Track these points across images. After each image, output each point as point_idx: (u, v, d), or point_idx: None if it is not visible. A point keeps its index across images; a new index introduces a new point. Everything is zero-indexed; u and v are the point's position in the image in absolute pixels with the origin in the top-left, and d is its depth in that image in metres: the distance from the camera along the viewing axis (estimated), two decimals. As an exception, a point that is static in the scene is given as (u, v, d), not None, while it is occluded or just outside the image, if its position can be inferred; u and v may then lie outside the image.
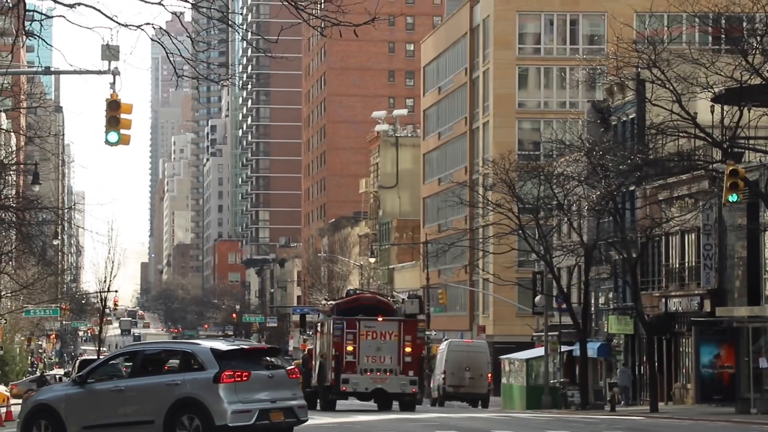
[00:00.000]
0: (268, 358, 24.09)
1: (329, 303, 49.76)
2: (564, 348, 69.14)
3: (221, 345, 23.76)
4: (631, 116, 64.43)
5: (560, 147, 61.83)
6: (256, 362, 23.54)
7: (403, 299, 49.09)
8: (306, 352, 50.98)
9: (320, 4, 23.28)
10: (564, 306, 62.90)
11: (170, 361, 23.95)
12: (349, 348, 45.59)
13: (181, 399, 22.84)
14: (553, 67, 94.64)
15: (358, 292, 52.86)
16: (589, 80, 76.15)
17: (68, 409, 24.10)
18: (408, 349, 45.82)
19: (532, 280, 68.90)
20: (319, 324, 48.89)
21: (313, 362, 48.05)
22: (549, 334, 65.71)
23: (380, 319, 46.01)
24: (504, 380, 73.08)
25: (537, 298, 67.39)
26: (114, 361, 25.00)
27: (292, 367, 24.64)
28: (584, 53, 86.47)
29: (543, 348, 66.10)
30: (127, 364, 24.60)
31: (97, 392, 23.96)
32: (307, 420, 24.15)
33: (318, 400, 46.28)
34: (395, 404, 46.95)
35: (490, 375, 71.85)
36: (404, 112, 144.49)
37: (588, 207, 58.98)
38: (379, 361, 45.71)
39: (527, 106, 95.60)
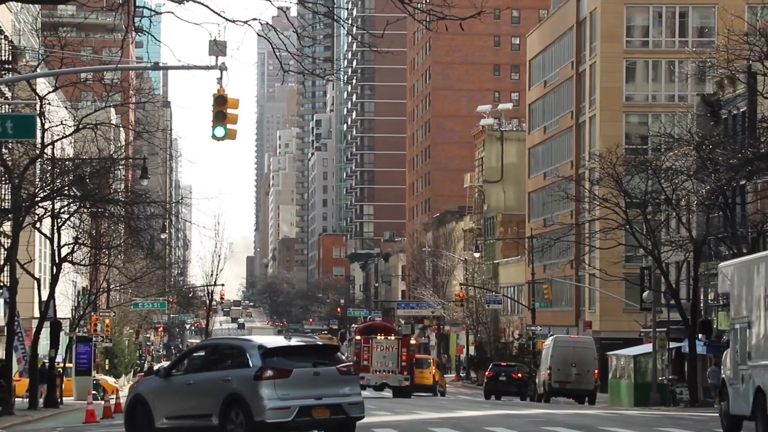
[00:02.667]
0: (321, 354, 23.77)
1: (354, 327, 77.04)
2: (672, 344, 68.17)
3: (269, 341, 23.81)
4: (742, 109, 63.30)
5: (669, 141, 60.88)
6: (303, 359, 23.34)
7: (401, 324, 76.20)
8: None
9: (426, -3, 23.16)
10: (672, 302, 62.02)
11: (228, 356, 24.20)
12: (365, 356, 67.05)
13: (230, 394, 23.14)
14: (661, 60, 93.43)
15: (372, 319, 79.66)
16: (698, 73, 74.94)
17: (155, 400, 24.90)
18: (404, 357, 67.89)
19: (640, 276, 68.06)
20: (348, 340, 76.06)
21: None
22: (657, 330, 64.85)
23: (385, 337, 68.41)
24: (611, 376, 72.29)
25: (645, 294, 66.54)
26: (191, 355, 25.64)
27: (348, 363, 24.19)
28: (694, 46, 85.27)
29: (651, 344, 65.26)
30: (201, 358, 25.17)
31: (175, 385, 24.66)
32: (362, 417, 23.67)
33: None
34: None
35: (596, 371, 71.11)
36: (509, 106, 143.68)
37: (697, 202, 58.06)
38: (384, 365, 67.33)
39: (635, 100, 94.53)
